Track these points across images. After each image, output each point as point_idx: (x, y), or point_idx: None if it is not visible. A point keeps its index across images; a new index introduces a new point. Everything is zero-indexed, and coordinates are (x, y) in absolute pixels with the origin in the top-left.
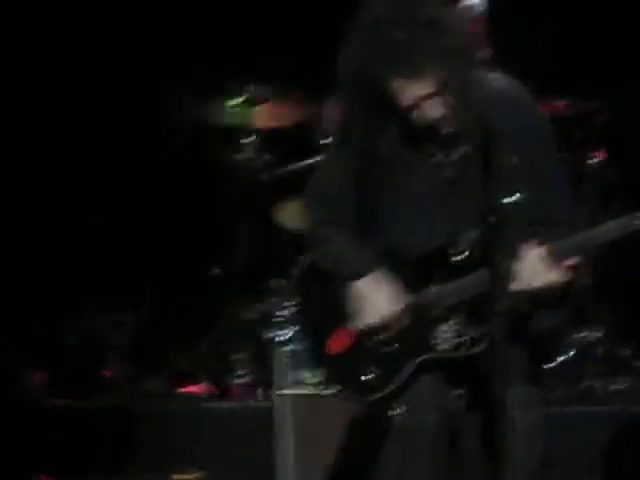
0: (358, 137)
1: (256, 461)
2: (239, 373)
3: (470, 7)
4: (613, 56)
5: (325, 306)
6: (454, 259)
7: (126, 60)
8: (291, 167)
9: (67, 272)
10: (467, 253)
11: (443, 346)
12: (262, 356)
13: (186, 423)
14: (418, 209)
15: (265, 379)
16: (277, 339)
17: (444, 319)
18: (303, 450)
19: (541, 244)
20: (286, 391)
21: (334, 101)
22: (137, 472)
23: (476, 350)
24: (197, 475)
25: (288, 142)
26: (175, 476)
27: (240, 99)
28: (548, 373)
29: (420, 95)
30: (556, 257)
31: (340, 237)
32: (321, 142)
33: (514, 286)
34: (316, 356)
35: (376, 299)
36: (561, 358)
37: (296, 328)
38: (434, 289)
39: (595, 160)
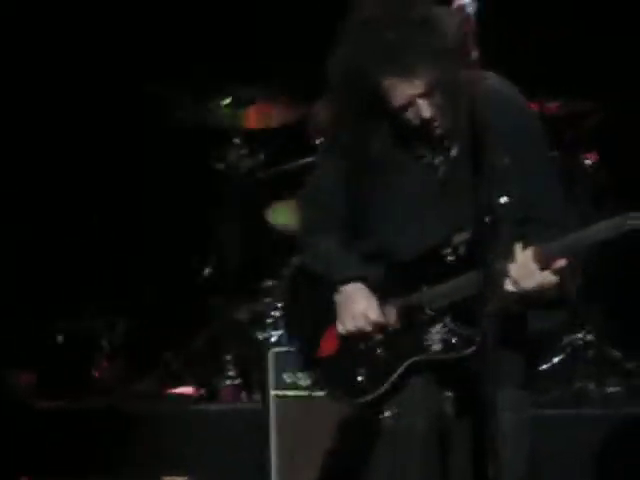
0: (349, 138)
1: (246, 463)
2: (230, 374)
3: (461, 7)
4: (605, 56)
5: (316, 308)
6: (446, 260)
7: (120, 61)
8: (282, 168)
9: (58, 272)
10: (458, 254)
11: (434, 348)
12: (253, 357)
13: (176, 425)
14: (409, 210)
15: (256, 380)
16: (268, 340)
17: (435, 320)
18: (294, 452)
19: (531, 245)
20: (277, 393)
21: (324, 102)
22: (126, 474)
23: (467, 352)
24: (187, 477)
25: (279, 143)
26: (165, 478)
27: (228, 100)
28: (539, 375)
29: (411, 95)
30: (546, 258)
31: (330, 241)
32: (312, 143)
33: (505, 287)
34: (307, 358)
35: (360, 311)
36: (552, 360)
37: (285, 330)
38: (426, 290)
39: (587, 160)
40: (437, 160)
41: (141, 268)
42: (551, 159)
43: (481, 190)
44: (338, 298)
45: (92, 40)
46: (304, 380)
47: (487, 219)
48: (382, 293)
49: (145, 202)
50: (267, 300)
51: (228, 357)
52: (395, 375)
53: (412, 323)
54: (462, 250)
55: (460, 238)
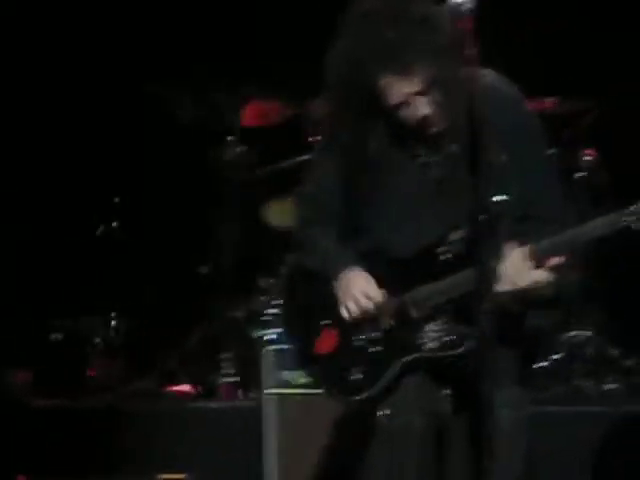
0: (346, 136)
1: (243, 461)
2: (227, 372)
3: (459, 4)
4: (602, 54)
5: (313, 305)
6: (442, 258)
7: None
8: (279, 166)
9: (54, 271)
10: (455, 252)
11: (430, 346)
12: (250, 355)
13: (173, 423)
14: (406, 208)
15: (253, 378)
16: (265, 338)
17: (431, 318)
18: (290, 450)
19: (524, 244)
20: (274, 391)
21: (321, 100)
22: (124, 472)
23: (463, 350)
24: (184, 475)
25: (275, 140)
26: (162, 476)
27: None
28: (538, 373)
29: (408, 92)
30: (541, 256)
31: (326, 237)
32: (309, 140)
33: (499, 286)
34: (304, 356)
35: (360, 290)
36: (551, 357)
37: (282, 328)
38: (422, 288)
39: (584, 158)
40: (433, 159)
41: (139, 266)
42: (549, 157)
43: (478, 188)
44: (337, 286)
45: (91, 40)
46: (301, 378)
47: (483, 217)
48: None
49: (143, 201)
50: (264, 298)
51: (225, 355)
52: (390, 373)
53: (408, 321)
54: (458, 248)
55: (456, 236)
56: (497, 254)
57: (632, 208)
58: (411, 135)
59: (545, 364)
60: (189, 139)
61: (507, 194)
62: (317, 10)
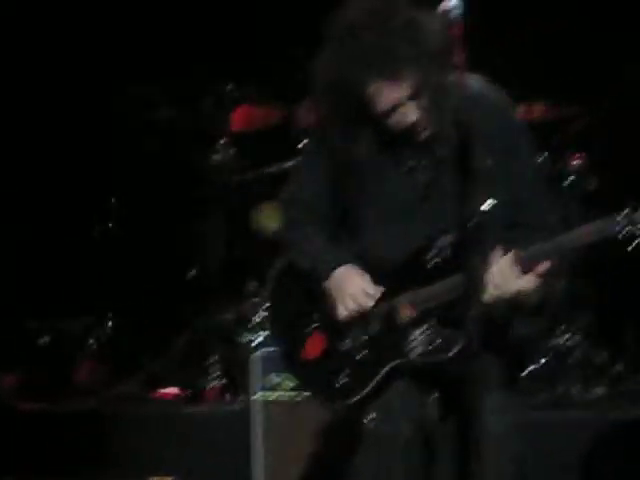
0: (333, 141)
1: (231, 464)
2: (214, 376)
3: (447, 10)
4: (592, 60)
5: (301, 309)
6: (430, 263)
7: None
8: (267, 170)
9: (40, 275)
10: (442, 257)
11: (417, 351)
12: (237, 359)
13: (160, 427)
14: (393, 213)
15: (240, 382)
16: (252, 342)
17: (418, 324)
18: (278, 453)
19: (509, 250)
20: (261, 395)
21: (309, 104)
22: (111, 476)
23: (450, 355)
24: (172, 478)
25: (264, 145)
26: (150, 479)
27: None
28: (524, 378)
29: (397, 98)
30: (528, 262)
31: (315, 237)
32: (297, 145)
33: (485, 293)
34: (291, 360)
35: (358, 287)
36: (538, 363)
37: (269, 332)
38: (409, 293)
39: (573, 163)
40: (421, 163)
41: (125, 270)
42: (537, 163)
43: (466, 193)
44: (330, 285)
45: (91, 41)
46: (288, 383)
47: (471, 222)
48: None
49: (130, 204)
50: (252, 301)
51: (213, 358)
52: (376, 379)
53: (395, 326)
54: (446, 253)
55: (444, 241)
56: (485, 260)
57: (618, 218)
58: (399, 140)
59: (532, 369)
60: (177, 142)
61: (495, 199)
62: (305, 13)
